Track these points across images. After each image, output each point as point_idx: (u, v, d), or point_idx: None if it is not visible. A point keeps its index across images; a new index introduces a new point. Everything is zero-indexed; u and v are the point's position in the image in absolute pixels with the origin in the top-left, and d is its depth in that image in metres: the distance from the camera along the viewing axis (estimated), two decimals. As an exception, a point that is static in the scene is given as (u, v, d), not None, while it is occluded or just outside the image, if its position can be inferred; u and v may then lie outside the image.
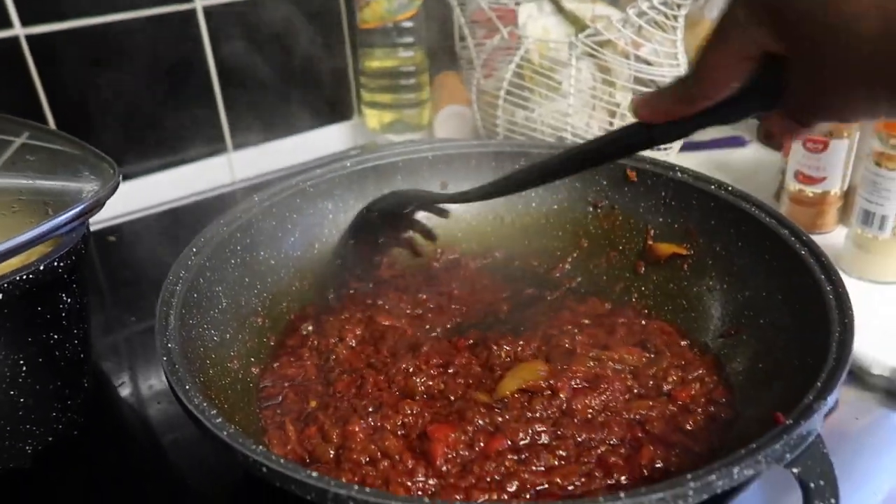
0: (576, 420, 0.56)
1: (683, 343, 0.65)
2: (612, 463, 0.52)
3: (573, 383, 0.59)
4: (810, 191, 0.84)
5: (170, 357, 0.50)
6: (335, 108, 1.22)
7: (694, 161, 1.06)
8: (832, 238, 0.83)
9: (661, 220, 0.74)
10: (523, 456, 0.52)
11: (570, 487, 0.50)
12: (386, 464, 0.51)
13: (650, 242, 0.74)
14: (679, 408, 0.57)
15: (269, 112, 1.14)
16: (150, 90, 1.02)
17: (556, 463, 0.52)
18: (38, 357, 0.56)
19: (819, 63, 0.39)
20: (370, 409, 0.57)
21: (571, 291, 0.75)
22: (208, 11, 1.02)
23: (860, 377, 0.66)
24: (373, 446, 0.53)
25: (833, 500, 0.40)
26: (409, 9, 1.09)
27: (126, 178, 0.61)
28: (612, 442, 0.54)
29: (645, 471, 0.51)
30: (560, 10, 0.93)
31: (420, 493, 0.50)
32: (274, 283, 0.71)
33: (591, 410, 0.57)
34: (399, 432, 0.55)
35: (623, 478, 0.51)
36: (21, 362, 0.54)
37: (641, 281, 0.73)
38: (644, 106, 0.47)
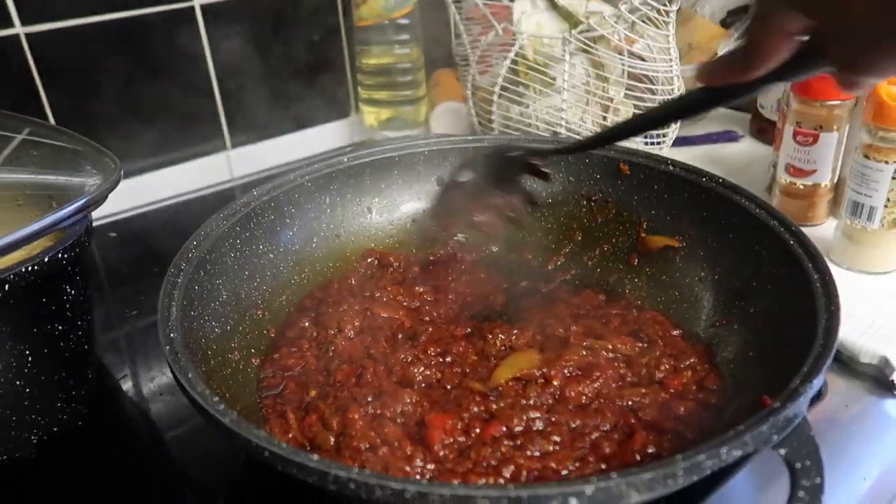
0: (570, 407, 0.57)
1: (675, 333, 0.66)
2: (606, 448, 0.53)
3: (566, 371, 0.60)
4: (801, 183, 0.85)
5: (172, 346, 0.50)
6: (332, 105, 1.23)
7: (687, 155, 1.08)
8: (823, 230, 0.84)
9: (653, 212, 0.75)
10: (518, 442, 0.53)
11: (565, 472, 0.51)
12: (385, 450, 0.52)
13: (643, 235, 0.75)
14: (671, 395, 0.58)
15: (267, 109, 1.15)
16: (149, 88, 1.03)
17: (551, 448, 0.52)
18: (43, 348, 0.57)
19: (846, 30, 0.43)
20: (369, 398, 0.58)
21: (566, 283, 0.76)
22: (206, 9, 1.03)
23: (849, 366, 0.67)
24: (372, 433, 0.53)
25: (818, 480, 0.41)
26: (406, 6, 1.10)
27: (126, 175, 0.61)
28: (605, 428, 0.55)
29: (638, 456, 0.52)
30: (554, 6, 0.94)
31: (419, 477, 0.51)
32: (273, 276, 0.72)
33: (584, 397, 0.58)
34: (398, 420, 0.56)
35: (616, 463, 0.52)
36: (27, 353, 0.55)
37: (634, 273, 0.74)
38: (706, 73, 0.51)
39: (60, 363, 0.59)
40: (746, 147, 1.11)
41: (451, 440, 0.53)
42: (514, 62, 0.93)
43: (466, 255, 0.80)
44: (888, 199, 0.74)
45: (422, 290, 0.74)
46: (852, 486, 0.57)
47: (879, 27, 0.42)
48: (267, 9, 1.09)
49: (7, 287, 0.50)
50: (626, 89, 0.91)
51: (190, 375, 0.48)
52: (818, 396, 0.64)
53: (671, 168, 0.74)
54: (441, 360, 0.63)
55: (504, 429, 0.54)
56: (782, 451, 0.43)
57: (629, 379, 0.60)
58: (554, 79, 0.92)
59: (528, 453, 0.52)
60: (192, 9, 1.02)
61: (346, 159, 0.79)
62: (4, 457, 0.58)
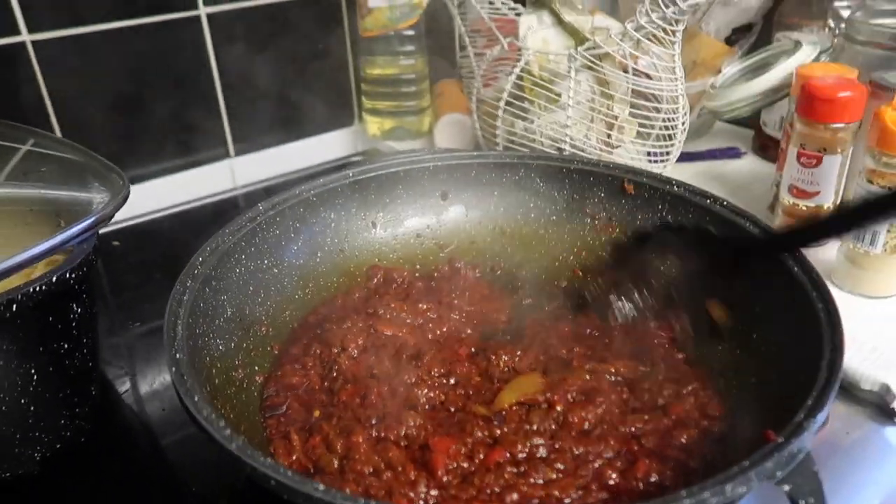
0: (573, 433, 0.57)
1: (679, 356, 0.66)
2: (609, 477, 0.53)
3: (569, 396, 0.60)
4: (804, 205, 0.86)
5: (178, 368, 0.50)
6: (336, 114, 1.23)
7: (690, 171, 1.08)
8: (825, 252, 0.85)
9: (657, 233, 0.75)
10: (522, 469, 0.53)
11: (568, 501, 0.51)
12: (389, 475, 0.52)
13: (647, 255, 0.75)
14: (673, 422, 0.58)
15: (271, 118, 1.15)
16: (154, 96, 1.03)
17: (555, 476, 0.52)
18: (49, 366, 0.57)
19: None
20: (373, 420, 0.58)
21: (569, 301, 0.76)
22: (212, 18, 1.03)
23: (850, 392, 0.67)
24: (376, 457, 0.54)
25: (821, 513, 0.42)
26: (411, 17, 1.11)
27: (130, 182, 0.61)
28: (608, 455, 0.55)
29: (640, 485, 0.52)
30: (560, 21, 0.94)
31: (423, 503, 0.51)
32: (277, 291, 0.72)
33: (587, 423, 0.58)
34: (402, 443, 0.56)
35: (619, 492, 0.52)
36: (32, 371, 0.55)
37: (637, 292, 0.74)
38: None
39: (65, 381, 0.59)
40: (749, 164, 1.11)
41: (455, 465, 0.54)
42: (520, 77, 0.93)
43: (470, 272, 0.80)
44: (891, 224, 0.74)
45: (425, 307, 0.74)
46: (853, 515, 0.57)
47: None
48: (272, 18, 1.09)
49: (15, 307, 0.50)
50: (631, 107, 0.91)
51: (196, 398, 0.47)
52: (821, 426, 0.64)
53: (675, 188, 0.74)
54: (445, 381, 0.63)
55: (508, 455, 0.54)
56: (786, 487, 0.43)
57: (631, 405, 0.60)
58: (559, 95, 0.92)
59: (532, 481, 0.52)
60: (198, 17, 1.02)
61: (351, 174, 0.79)
62: (7, 473, 0.58)
